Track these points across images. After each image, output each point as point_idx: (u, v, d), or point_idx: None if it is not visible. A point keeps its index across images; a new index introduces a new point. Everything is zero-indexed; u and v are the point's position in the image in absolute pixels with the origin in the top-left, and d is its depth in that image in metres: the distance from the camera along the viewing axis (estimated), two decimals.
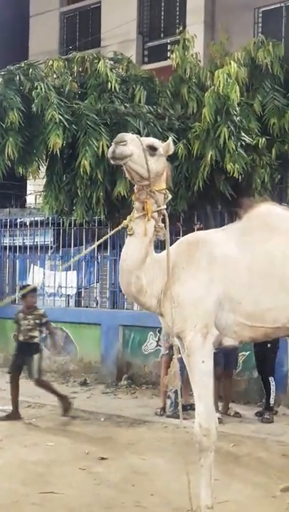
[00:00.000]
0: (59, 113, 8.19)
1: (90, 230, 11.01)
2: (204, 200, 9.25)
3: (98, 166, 8.39)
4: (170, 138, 4.17)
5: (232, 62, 8.43)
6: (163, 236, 4.09)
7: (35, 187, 12.75)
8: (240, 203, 4.60)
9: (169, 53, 10.11)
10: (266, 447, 6.31)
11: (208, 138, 8.33)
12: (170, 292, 4.02)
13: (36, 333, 7.47)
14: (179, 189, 8.54)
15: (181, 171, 8.50)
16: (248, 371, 8.49)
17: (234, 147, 8.18)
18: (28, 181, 14.41)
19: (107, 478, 5.23)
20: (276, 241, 4.10)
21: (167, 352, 7.86)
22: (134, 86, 9.09)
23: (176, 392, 7.39)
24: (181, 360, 4.16)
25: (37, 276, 11.65)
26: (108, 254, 10.80)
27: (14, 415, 7.30)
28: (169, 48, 13.55)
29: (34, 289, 8.08)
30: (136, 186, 4.08)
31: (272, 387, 7.54)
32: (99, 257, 11.21)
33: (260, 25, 13.62)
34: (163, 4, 15.46)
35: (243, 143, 8.42)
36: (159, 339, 9.07)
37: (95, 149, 8.26)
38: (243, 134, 8.45)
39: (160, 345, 8.82)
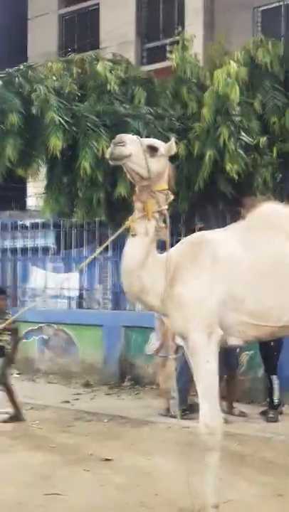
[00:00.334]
0: (59, 115, 8.19)
1: (90, 231, 11.01)
2: (205, 200, 9.25)
3: (98, 168, 8.40)
4: (172, 138, 4.16)
5: (231, 62, 8.44)
6: (164, 236, 4.09)
7: (35, 189, 12.77)
8: (243, 202, 4.60)
9: (168, 54, 10.13)
10: (271, 446, 6.29)
11: (208, 138, 8.34)
12: (170, 292, 4.01)
13: (5, 337, 7.41)
14: (179, 189, 8.53)
15: (181, 172, 8.49)
16: (252, 370, 8.48)
17: (233, 148, 8.18)
18: (28, 184, 14.44)
19: (111, 479, 5.22)
20: (280, 240, 4.10)
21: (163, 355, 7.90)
22: (133, 87, 9.10)
23: (180, 392, 7.40)
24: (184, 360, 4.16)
25: (38, 278, 11.66)
26: (110, 255, 10.80)
27: (17, 417, 7.28)
28: (168, 49, 13.56)
29: (3, 292, 8.01)
30: (137, 187, 4.07)
31: (275, 386, 7.52)
32: (101, 258, 11.21)
33: (259, 24, 13.65)
34: (161, 5, 15.49)
35: (243, 143, 8.42)
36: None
37: (95, 151, 8.26)
38: (243, 133, 8.45)
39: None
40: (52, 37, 16.89)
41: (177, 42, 9.41)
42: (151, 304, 4.13)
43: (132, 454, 5.99)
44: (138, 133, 7.75)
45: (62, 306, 11.43)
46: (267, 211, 4.30)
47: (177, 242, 4.42)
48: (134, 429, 7.10)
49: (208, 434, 3.97)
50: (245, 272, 4.03)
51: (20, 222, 12.43)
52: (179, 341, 5.37)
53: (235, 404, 7.77)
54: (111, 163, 4.02)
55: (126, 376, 9.67)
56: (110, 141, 7.93)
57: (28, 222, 12.33)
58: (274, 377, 7.54)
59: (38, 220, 11.87)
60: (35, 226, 11.98)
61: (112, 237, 4.15)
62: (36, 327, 10.93)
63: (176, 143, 4.19)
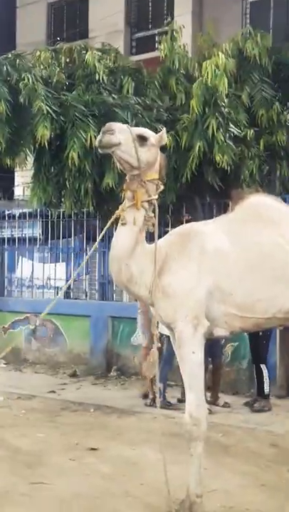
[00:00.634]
0: (46, 104, 8.17)
1: (78, 221, 10.99)
2: (193, 191, 9.26)
3: (86, 158, 8.39)
4: (164, 129, 4.18)
5: (220, 54, 8.45)
6: (152, 226, 4.10)
7: (23, 179, 12.72)
8: (231, 194, 4.62)
9: (157, 44, 10.11)
10: (255, 437, 6.35)
11: (196, 129, 8.35)
12: (159, 283, 4.04)
13: None
14: (167, 181, 8.52)
15: (169, 163, 8.47)
16: (236, 361, 8.54)
17: (223, 138, 8.20)
18: (16, 173, 14.36)
19: (97, 469, 5.25)
20: (268, 232, 4.12)
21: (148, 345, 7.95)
22: (122, 77, 9.08)
23: (164, 382, 7.45)
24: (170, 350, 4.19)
25: (25, 268, 11.64)
26: (97, 246, 10.76)
27: None
28: (157, 39, 13.52)
29: None
30: (127, 176, 4.08)
31: (265, 375, 7.57)
32: (88, 248, 11.20)
33: (248, 16, 13.62)
34: None
35: (232, 134, 8.44)
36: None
37: (83, 141, 8.25)
38: (231, 125, 8.47)
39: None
40: (41, 26, 16.75)
41: (166, 32, 9.39)
42: (139, 293, 4.15)
43: (118, 444, 6.03)
44: (126, 123, 7.73)
45: (50, 296, 11.42)
46: (255, 203, 4.32)
47: (165, 233, 4.44)
48: (120, 419, 7.13)
49: (193, 425, 4.02)
50: (233, 264, 4.06)
51: (8, 212, 12.36)
52: (164, 331, 5.40)
53: (219, 395, 7.82)
54: (100, 151, 4.04)
55: (112, 366, 9.70)
56: (98, 131, 7.91)
57: (15, 212, 12.28)
58: (263, 367, 7.58)
59: (26, 210, 11.82)
60: (22, 216, 11.93)
61: (107, 226, 4.13)
62: (23, 317, 10.92)
63: None
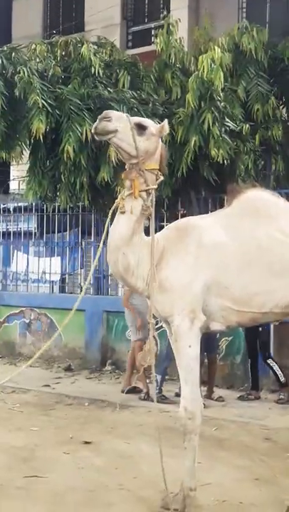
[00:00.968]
0: (42, 98, 8.13)
1: (74, 215, 10.98)
2: (188, 186, 9.25)
3: (82, 152, 8.36)
4: (165, 120, 4.16)
5: (216, 48, 8.41)
6: (149, 215, 4.10)
7: (18, 172, 12.69)
8: (228, 189, 4.61)
9: (153, 38, 10.08)
10: (249, 431, 6.38)
11: (192, 123, 8.33)
12: (155, 276, 4.04)
13: None
14: (162, 175, 8.53)
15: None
16: (231, 356, 8.57)
17: (218, 133, 8.19)
18: (11, 167, 14.33)
19: (91, 462, 5.27)
20: (265, 226, 4.13)
21: (139, 338, 7.96)
22: (117, 71, 9.04)
23: (162, 377, 7.47)
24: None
25: (20, 262, 11.62)
26: (92, 240, 10.79)
27: None
28: (153, 33, 13.49)
29: None
30: (126, 165, 4.08)
31: (275, 367, 7.69)
32: (83, 243, 11.19)
33: (244, 10, 13.60)
34: None
35: (227, 129, 8.43)
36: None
37: (79, 135, 8.22)
38: (227, 119, 8.45)
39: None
40: (36, 19, 16.68)
41: (162, 26, 9.36)
42: (135, 285, 4.14)
43: (112, 438, 6.05)
44: None
45: (45, 290, 11.42)
46: (252, 198, 4.32)
47: (160, 228, 4.43)
48: (115, 412, 7.15)
49: (188, 418, 4.03)
50: (231, 258, 4.06)
51: (3, 206, 12.34)
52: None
53: (214, 389, 7.85)
54: (96, 138, 4.04)
55: (107, 360, 9.71)
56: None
57: (10, 206, 12.26)
58: (271, 361, 7.72)
59: (21, 204, 11.80)
60: (18, 210, 11.91)
61: (109, 215, 4.11)
62: (18, 311, 10.92)
63: None
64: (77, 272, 11.52)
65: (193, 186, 9.34)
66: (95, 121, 4.03)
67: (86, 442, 5.81)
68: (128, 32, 15.53)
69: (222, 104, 8.42)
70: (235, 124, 8.58)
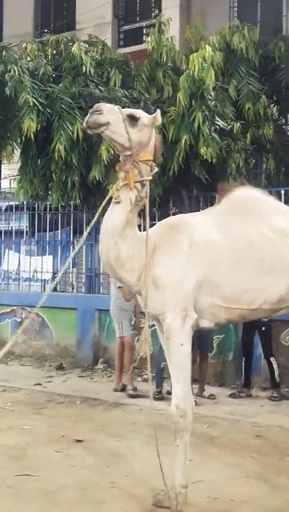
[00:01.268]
0: (33, 96, 8.12)
1: (65, 214, 10.97)
2: (180, 184, 9.28)
3: (73, 150, 8.37)
4: (158, 110, 4.17)
5: (207, 47, 8.44)
6: (143, 206, 4.11)
7: (9, 171, 12.64)
8: (218, 187, 4.64)
9: (144, 37, 10.08)
10: (240, 428, 6.40)
11: (183, 122, 8.36)
12: (149, 273, 4.03)
13: None
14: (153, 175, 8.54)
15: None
16: (222, 354, 8.59)
17: (208, 131, 8.21)
18: (2, 166, 14.29)
19: (82, 460, 5.27)
20: (255, 224, 4.15)
21: (121, 336, 8.00)
22: (109, 70, 9.05)
23: (160, 370, 7.48)
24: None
25: (12, 261, 11.61)
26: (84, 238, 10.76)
27: None
28: (144, 32, 13.49)
29: None
30: (121, 157, 4.09)
31: (275, 366, 7.74)
32: (75, 241, 11.18)
33: (235, 9, 13.61)
34: None
35: (218, 127, 8.45)
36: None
37: (70, 133, 8.23)
38: (217, 118, 8.48)
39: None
40: (28, 17, 16.63)
41: (154, 25, 9.36)
42: (126, 279, 4.14)
43: (104, 436, 6.05)
44: None
45: (36, 289, 11.40)
46: (242, 196, 4.34)
47: (151, 226, 4.44)
48: (107, 411, 7.15)
49: (179, 416, 4.04)
50: (222, 256, 4.08)
51: None
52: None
53: (205, 387, 7.88)
54: (88, 131, 4.03)
55: (99, 359, 9.71)
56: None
57: (2, 205, 12.23)
58: (272, 359, 7.77)
59: (13, 203, 11.78)
60: (9, 209, 11.89)
61: (103, 204, 4.10)
62: (9, 310, 10.90)
63: None
64: (68, 270, 11.51)
65: (184, 185, 9.36)
66: (84, 127, 4.03)
67: (78, 441, 5.81)
68: (119, 31, 15.52)
69: (213, 103, 8.44)
70: (226, 122, 8.60)
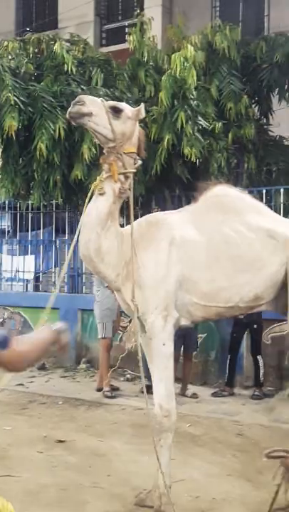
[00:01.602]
0: (14, 95, 8.07)
1: (47, 213, 10.93)
2: (162, 184, 9.27)
3: (55, 149, 8.33)
4: (142, 104, 4.17)
5: (189, 46, 8.44)
6: (127, 199, 4.11)
7: None
8: (197, 186, 4.66)
9: (126, 36, 10.06)
10: (222, 427, 6.42)
11: (165, 122, 8.35)
12: (135, 265, 4.02)
13: None
14: (136, 173, 8.52)
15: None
16: (205, 353, 8.61)
17: (191, 131, 8.22)
18: None
19: (64, 461, 5.26)
20: (231, 221, 4.18)
21: (104, 336, 7.97)
22: (90, 68, 9.01)
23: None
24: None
25: None
26: (66, 238, 10.75)
27: None
28: (126, 31, 13.47)
29: None
30: (104, 149, 4.09)
31: (260, 365, 7.77)
32: (57, 241, 11.15)
33: (217, 9, 13.66)
34: None
35: (200, 127, 8.46)
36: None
37: (52, 132, 8.19)
38: (199, 118, 8.48)
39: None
40: (9, 16, 16.55)
41: (135, 24, 9.35)
42: (105, 273, 4.11)
43: (86, 436, 6.04)
44: None
45: (19, 288, 11.35)
46: (219, 193, 4.37)
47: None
48: (89, 411, 7.14)
49: (164, 416, 4.04)
50: (200, 254, 4.10)
51: None
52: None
53: (188, 386, 7.89)
54: (72, 123, 4.03)
55: (82, 359, 9.69)
56: (67, 122, 7.86)
57: None
58: (259, 358, 7.80)
59: None
60: None
61: (88, 196, 4.08)
62: None
63: None
64: (51, 270, 11.47)
65: (167, 184, 9.36)
66: (68, 118, 4.04)
67: (60, 441, 5.80)
68: (102, 30, 15.50)
69: (195, 102, 8.44)
70: (208, 122, 8.62)
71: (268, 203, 8.71)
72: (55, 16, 15.73)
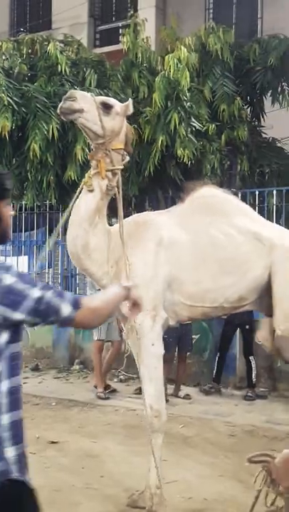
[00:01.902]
0: (8, 95, 8.07)
1: (40, 214, 10.92)
2: (155, 185, 9.29)
3: (48, 150, 8.33)
4: (130, 99, 4.19)
5: (182, 48, 8.47)
6: (114, 195, 4.12)
7: None
8: (185, 187, 4.70)
9: (120, 37, 10.06)
10: (214, 428, 6.43)
11: (158, 123, 8.36)
12: (117, 271, 4.03)
13: None
14: (130, 174, 8.55)
15: (132, 156, 8.49)
16: (198, 354, 8.62)
17: (184, 133, 8.23)
18: None
19: (57, 462, 5.26)
20: (219, 223, 4.21)
21: (99, 338, 8.00)
22: (84, 69, 9.01)
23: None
24: None
25: None
26: (60, 239, 10.73)
27: None
28: (120, 32, 13.47)
29: None
30: (92, 145, 4.10)
31: (253, 366, 7.79)
32: (51, 242, 11.12)
33: (211, 11, 13.67)
34: None
35: (194, 128, 8.48)
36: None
37: (45, 133, 8.19)
38: (193, 119, 8.50)
39: None
40: (3, 16, 16.52)
41: (129, 25, 9.36)
42: (92, 271, 4.12)
43: (79, 437, 6.04)
44: None
45: None
46: (205, 194, 4.40)
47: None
48: (82, 412, 7.14)
49: (154, 417, 4.05)
50: (187, 255, 4.12)
51: None
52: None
53: (181, 387, 7.90)
54: (63, 118, 4.07)
55: (75, 360, 9.68)
56: (60, 123, 7.88)
57: None
58: (252, 358, 7.82)
59: None
60: None
61: (76, 194, 4.10)
62: None
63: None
64: (44, 270, 11.45)
65: (160, 185, 9.37)
66: (62, 119, 4.06)
67: (53, 442, 5.80)
68: (95, 31, 15.48)
69: (188, 104, 8.46)
70: (202, 124, 8.64)
71: (261, 205, 8.77)
72: (49, 16, 15.70)
